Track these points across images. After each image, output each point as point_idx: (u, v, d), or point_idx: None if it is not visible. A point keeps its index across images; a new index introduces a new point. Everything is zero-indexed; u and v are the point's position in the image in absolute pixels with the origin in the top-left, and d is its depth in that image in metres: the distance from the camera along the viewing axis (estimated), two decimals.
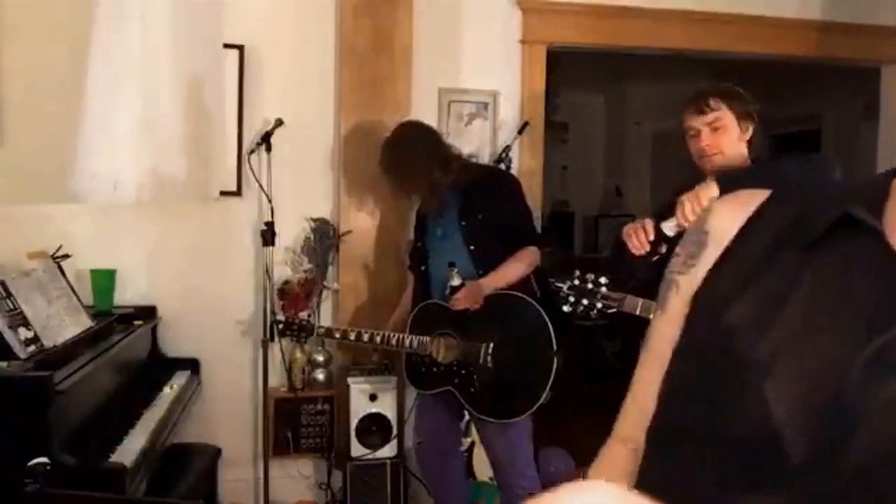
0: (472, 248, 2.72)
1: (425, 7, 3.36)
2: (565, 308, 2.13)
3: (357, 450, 3.09)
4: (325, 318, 3.35)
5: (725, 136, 2.17)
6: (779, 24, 3.71)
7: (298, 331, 3.01)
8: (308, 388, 3.25)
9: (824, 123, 6.00)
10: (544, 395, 2.58)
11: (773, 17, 3.70)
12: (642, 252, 2.07)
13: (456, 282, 2.62)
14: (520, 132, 3.47)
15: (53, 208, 3.10)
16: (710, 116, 2.16)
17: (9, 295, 2.18)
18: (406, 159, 2.78)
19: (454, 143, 3.43)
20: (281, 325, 3.05)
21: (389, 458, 3.11)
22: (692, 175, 2.31)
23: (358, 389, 3.12)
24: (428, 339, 2.72)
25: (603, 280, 2.13)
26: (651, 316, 1.65)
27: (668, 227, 2.06)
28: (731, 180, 1.98)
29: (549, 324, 2.59)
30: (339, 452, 3.21)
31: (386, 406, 3.13)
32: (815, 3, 3.78)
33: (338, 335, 2.99)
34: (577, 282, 2.13)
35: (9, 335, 2.10)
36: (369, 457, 3.09)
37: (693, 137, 2.20)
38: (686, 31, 3.66)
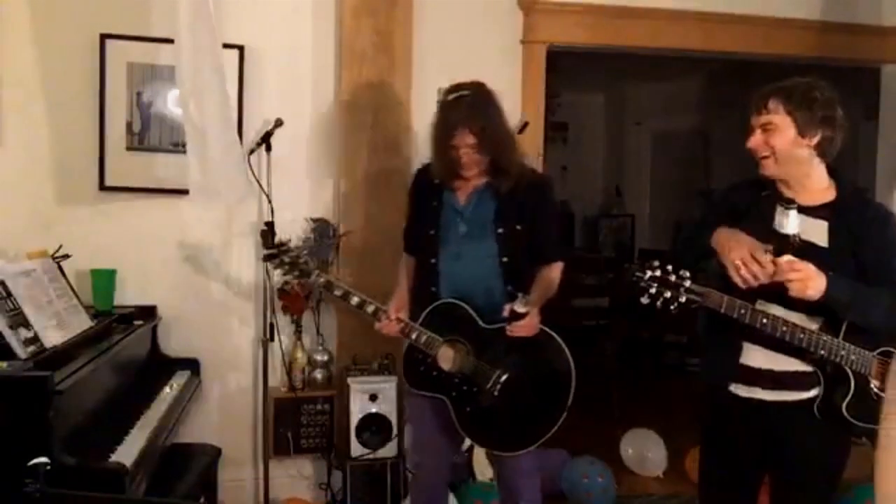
0: (504, 259, 2.42)
1: (425, 7, 3.36)
2: (643, 300, 1.91)
3: (357, 450, 3.09)
4: (325, 318, 3.35)
5: (776, 137, 2.00)
6: (778, 24, 3.71)
7: (290, 266, 2.49)
8: (308, 388, 3.25)
9: None
10: (535, 445, 2.41)
11: (773, 17, 3.70)
12: (751, 284, 1.91)
13: (522, 309, 2.30)
14: (520, 132, 3.46)
15: (54, 208, 3.11)
16: (763, 119, 2.03)
17: (9, 295, 2.17)
18: (501, 118, 2.43)
19: None
20: (266, 253, 2.59)
21: (389, 458, 3.12)
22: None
23: (358, 389, 3.12)
24: (440, 340, 2.40)
25: (683, 273, 1.95)
26: (734, 312, 1.94)
27: (793, 225, 1.87)
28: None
29: (573, 374, 2.36)
30: (339, 452, 3.21)
31: (386, 406, 3.13)
32: (814, 3, 3.78)
33: (338, 293, 2.52)
34: (658, 272, 1.94)
35: (9, 335, 2.09)
36: (369, 457, 3.09)
37: (749, 136, 2.07)
38: (686, 31, 3.66)
